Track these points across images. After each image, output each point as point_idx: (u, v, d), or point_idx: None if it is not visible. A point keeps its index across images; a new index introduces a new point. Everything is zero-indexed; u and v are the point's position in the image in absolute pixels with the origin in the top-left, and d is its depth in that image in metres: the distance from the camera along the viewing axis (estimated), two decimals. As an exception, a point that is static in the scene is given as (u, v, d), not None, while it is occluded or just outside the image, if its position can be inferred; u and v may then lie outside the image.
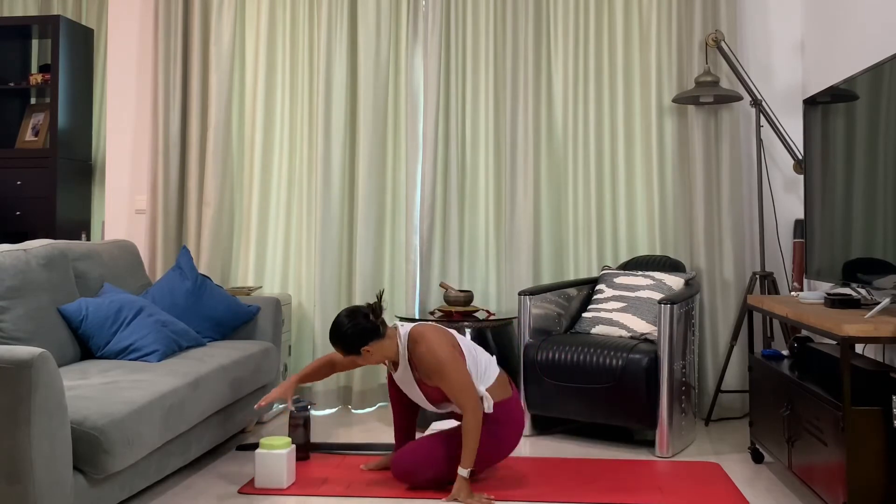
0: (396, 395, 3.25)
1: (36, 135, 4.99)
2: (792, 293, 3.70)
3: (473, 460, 2.90)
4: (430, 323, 3.09)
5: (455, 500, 2.88)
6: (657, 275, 3.92)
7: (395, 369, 3.10)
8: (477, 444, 2.90)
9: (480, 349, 3.12)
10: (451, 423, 3.65)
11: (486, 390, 3.01)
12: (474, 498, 2.87)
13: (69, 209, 4.90)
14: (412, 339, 3.00)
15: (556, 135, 4.41)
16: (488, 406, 2.97)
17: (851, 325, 2.43)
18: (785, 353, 3.35)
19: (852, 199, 3.00)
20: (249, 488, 3.02)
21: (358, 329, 2.95)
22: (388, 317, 4.50)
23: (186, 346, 3.46)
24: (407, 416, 3.26)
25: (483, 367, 3.06)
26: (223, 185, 4.47)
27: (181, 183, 4.54)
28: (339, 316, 2.99)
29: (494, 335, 3.94)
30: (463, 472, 2.89)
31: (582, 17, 4.38)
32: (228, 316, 3.82)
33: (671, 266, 4.06)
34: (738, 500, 2.90)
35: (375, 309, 3.00)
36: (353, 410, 4.36)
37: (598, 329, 3.85)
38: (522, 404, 3.61)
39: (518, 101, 4.34)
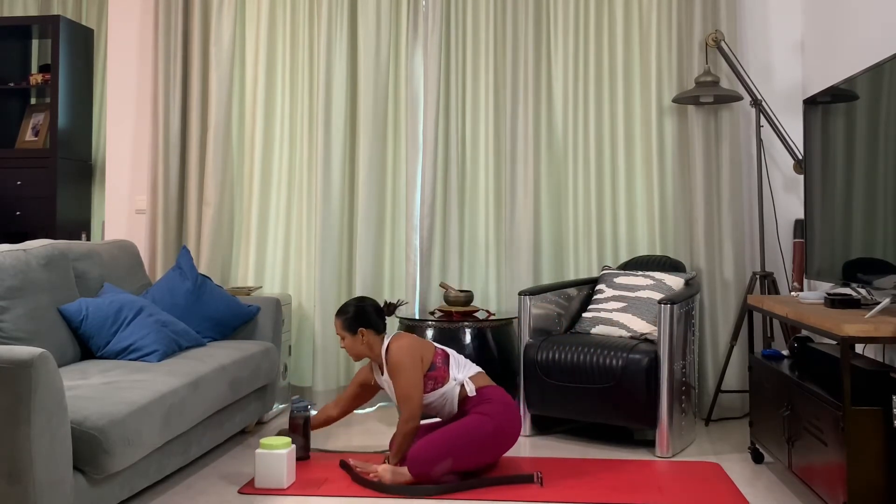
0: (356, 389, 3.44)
1: (36, 135, 4.99)
2: (792, 293, 3.70)
3: (401, 453, 3.12)
4: (412, 335, 3.30)
5: (379, 479, 3.05)
6: (657, 275, 3.92)
7: (381, 372, 3.32)
8: (404, 447, 3.11)
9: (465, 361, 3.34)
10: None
11: (469, 378, 3.22)
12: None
13: (69, 209, 4.90)
14: (393, 339, 3.25)
15: (556, 135, 4.41)
16: (471, 389, 3.18)
17: (851, 325, 2.43)
18: (785, 353, 3.35)
19: (852, 199, 3.00)
20: (249, 488, 3.02)
21: (363, 311, 3.25)
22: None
23: (186, 346, 3.46)
24: (351, 406, 3.48)
25: (464, 364, 3.28)
26: (223, 185, 4.47)
27: (181, 183, 4.54)
28: (353, 298, 3.33)
29: (494, 335, 3.94)
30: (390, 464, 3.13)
31: (582, 17, 4.38)
32: (228, 316, 3.82)
33: (671, 266, 4.06)
34: (738, 500, 2.91)
35: (388, 307, 3.34)
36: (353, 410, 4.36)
37: (598, 329, 3.85)
38: (522, 405, 3.76)
39: (518, 101, 4.34)
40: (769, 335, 4.05)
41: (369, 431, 3.91)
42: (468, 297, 4.04)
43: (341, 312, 3.26)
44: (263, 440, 3.05)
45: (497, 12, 4.43)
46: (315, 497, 2.94)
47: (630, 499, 2.91)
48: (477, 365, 3.47)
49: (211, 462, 3.38)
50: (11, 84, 4.97)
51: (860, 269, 2.92)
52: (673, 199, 4.29)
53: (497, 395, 3.18)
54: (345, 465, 3.22)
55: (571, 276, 4.35)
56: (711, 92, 3.96)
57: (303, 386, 4.49)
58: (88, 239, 5.13)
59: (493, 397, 3.16)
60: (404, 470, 3.03)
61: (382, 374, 3.30)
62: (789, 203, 4.28)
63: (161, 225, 4.48)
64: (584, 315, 3.96)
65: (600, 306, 3.92)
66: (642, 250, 4.33)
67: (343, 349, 3.40)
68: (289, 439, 3.08)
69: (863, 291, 3.01)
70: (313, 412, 4.31)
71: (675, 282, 3.88)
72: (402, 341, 3.20)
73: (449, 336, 3.84)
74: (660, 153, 4.30)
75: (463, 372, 3.23)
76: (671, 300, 3.45)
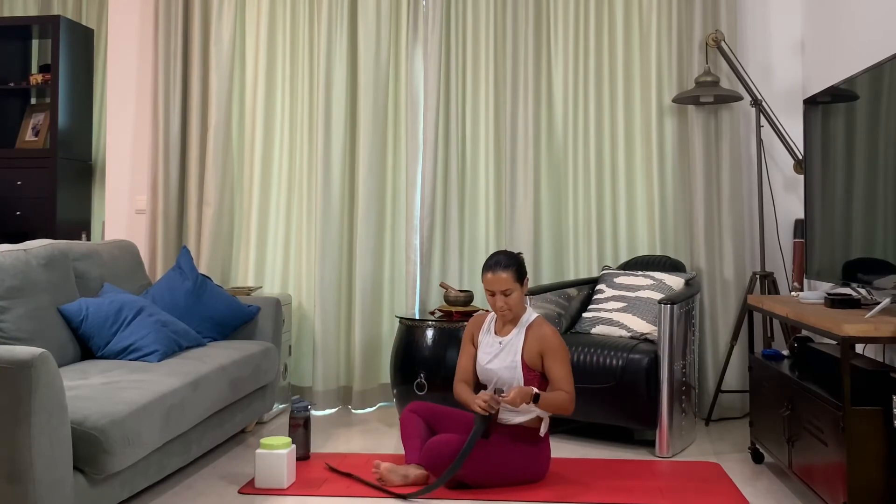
0: (418, 418, 3.21)
1: (36, 135, 4.99)
2: (792, 293, 3.70)
3: (546, 407, 2.99)
4: None
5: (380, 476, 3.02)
6: (657, 275, 3.92)
7: (502, 333, 3.15)
8: (555, 409, 2.99)
9: None
10: None
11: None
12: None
13: (69, 209, 4.90)
14: (537, 319, 3.12)
15: (556, 135, 4.41)
16: (544, 429, 3.08)
17: (851, 325, 2.44)
18: (785, 353, 3.35)
19: (852, 199, 3.00)
20: (249, 488, 3.02)
21: (522, 260, 3.11)
22: (388, 316, 4.50)
23: (186, 346, 3.46)
24: (426, 434, 3.19)
25: None
26: (223, 185, 4.47)
27: (181, 183, 4.54)
28: (502, 251, 3.11)
29: (494, 335, 3.93)
30: (533, 394, 2.95)
31: (582, 17, 4.38)
32: (228, 316, 3.82)
33: (671, 266, 4.06)
34: (738, 500, 2.91)
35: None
36: (353, 410, 4.36)
37: (599, 329, 3.85)
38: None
39: (518, 101, 4.34)
40: (769, 335, 4.05)
41: (369, 431, 3.91)
42: (468, 297, 4.04)
43: (507, 265, 3.03)
44: (263, 440, 3.05)
45: (497, 12, 4.43)
46: (315, 497, 2.94)
47: (630, 499, 2.91)
48: None
49: (211, 462, 3.38)
50: (11, 84, 4.97)
51: (860, 269, 2.92)
52: (673, 199, 4.29)
53: (547, 447, 3.10)
54: (332, 469, 3.22)
55: (571, 276, 4.35)
56: (711, 92, 3.96)
57: (303, 386, 4.49)
58: (88, 239, 5.13)
59: (544, 450, 3.09)
60: (409, 470, 3.03)
61: (503, 336, 3.12)
62: (789, 203, 4.28)
63: (161, 225, 4.48)
64: (585, 315, 3.96)
65: (600, 306, 3.92)
66: (642, 250, 4.33)
67: (490, 312, 3.16)
68: (289, 439, 3.08)
69: (863, 291, 3.01)
70: (314, 412, 4.31)
71: (675, 282, 3.88)
72: (554, 329, 3.07)
73: (449, 336, 3.84)
74: (660, 153, 4.30)
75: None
76: (671, 300, 3.45)
